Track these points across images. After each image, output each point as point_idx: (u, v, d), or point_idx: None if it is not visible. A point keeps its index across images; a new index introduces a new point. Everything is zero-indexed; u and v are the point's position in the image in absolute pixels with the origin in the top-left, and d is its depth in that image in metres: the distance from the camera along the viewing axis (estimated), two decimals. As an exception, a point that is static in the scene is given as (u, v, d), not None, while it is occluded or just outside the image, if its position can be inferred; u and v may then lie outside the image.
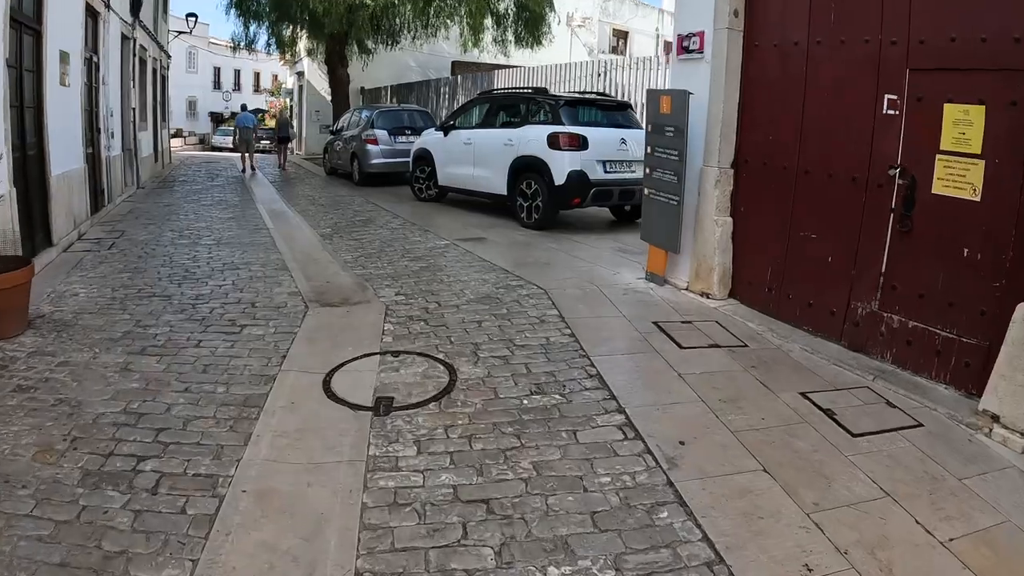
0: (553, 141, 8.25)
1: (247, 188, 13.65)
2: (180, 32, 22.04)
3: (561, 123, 8.38)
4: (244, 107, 20.41)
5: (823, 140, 4.84)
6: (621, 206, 9.13)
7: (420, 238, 8.00)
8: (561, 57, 20.98)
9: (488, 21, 18.69)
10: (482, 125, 9.70)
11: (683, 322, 5.12)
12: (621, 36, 34.80)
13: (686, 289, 5.95)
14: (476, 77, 15.77)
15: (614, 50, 33.73)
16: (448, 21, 17.85)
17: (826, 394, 3.89)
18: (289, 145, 28.89)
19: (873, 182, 4.45)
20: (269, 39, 20.37)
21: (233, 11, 18.85)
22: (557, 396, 3.83)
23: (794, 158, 5.08)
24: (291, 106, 30.94)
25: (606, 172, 8.47)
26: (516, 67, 14.96)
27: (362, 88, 23.59)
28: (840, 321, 4.72)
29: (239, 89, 51.21)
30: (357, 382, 3.90)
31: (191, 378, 3.92)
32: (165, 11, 19.69)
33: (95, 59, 9.65)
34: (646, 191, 6.26)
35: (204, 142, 41.82)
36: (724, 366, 4.31)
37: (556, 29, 20.82)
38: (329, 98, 21.15)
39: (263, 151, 26.46)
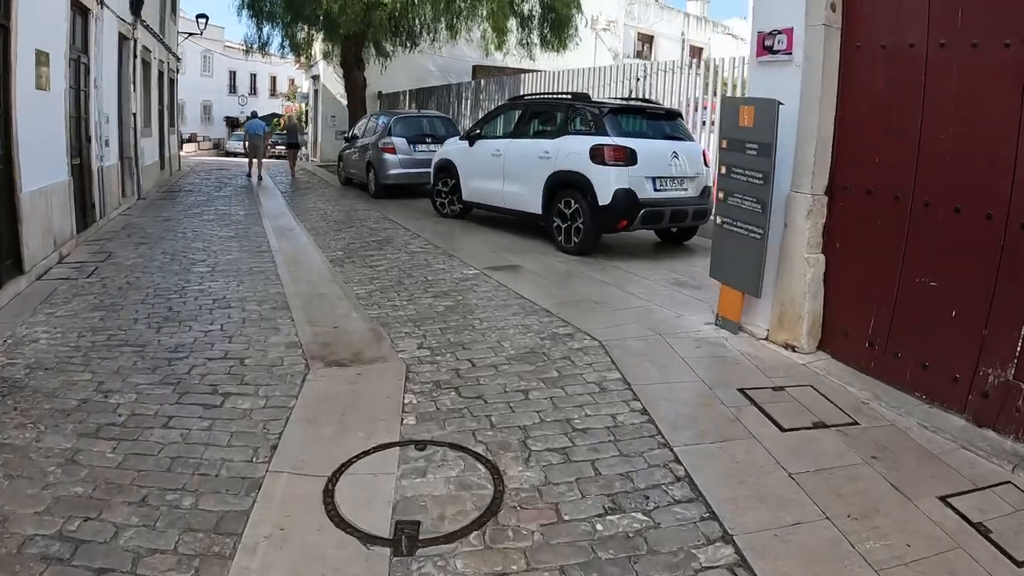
0: (597, 154, 7.20)
1: (255, 199, 12.72)
2: (190, 34, 21.26)
3: (605, 133, 7.33)
4: (254, 114, 19.81)
5: (949, 166, 3.80)
6: (670, 228, 8.04)
7: (444, 266, 6.98)
8: (586, 61, 19.95)
9: (512, 23, 17.74)
10: (513, 134, 8.67)
11: (774, 388, 4.08)
12: (646, 40, 33.80)
13: (765, 339, 4.92)
14: (501, 81, 14.77)
15: (639, 55, 32.70)
16: (469, 22, 16.88)
17: (969, 498, 2.95)
18: (303, 151, 28.19)
19: (1015, 221, 3.42)
20: (283, 41, 19.53)
21: (245, 12, 18.01)
22: (640, 516, 2.79)
23: (909, 186, 4.03)
24: (306, 111, 30.13)
25: (656, 190, 7.42)
26: (539, 71, 13.92)
27: (379, 93, 22.67)
28: (964, 390, 3.69)
29: (255, 93, 50.63)
30: (370, 493, 2.88)
31: (151, 480, 2.91)
32: (174, 11, 18.87)
33: (84, 60, 8.73)
34: (718, 219, 5.20)
35: (219, 147, 41.12)
36: (840, 457, 3.29)
37: (581, 32, 19.83)
38: (345, 103, 20.24)
39: (279, 157, 25.68)
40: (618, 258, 7.52)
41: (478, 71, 23.68)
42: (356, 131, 14.64)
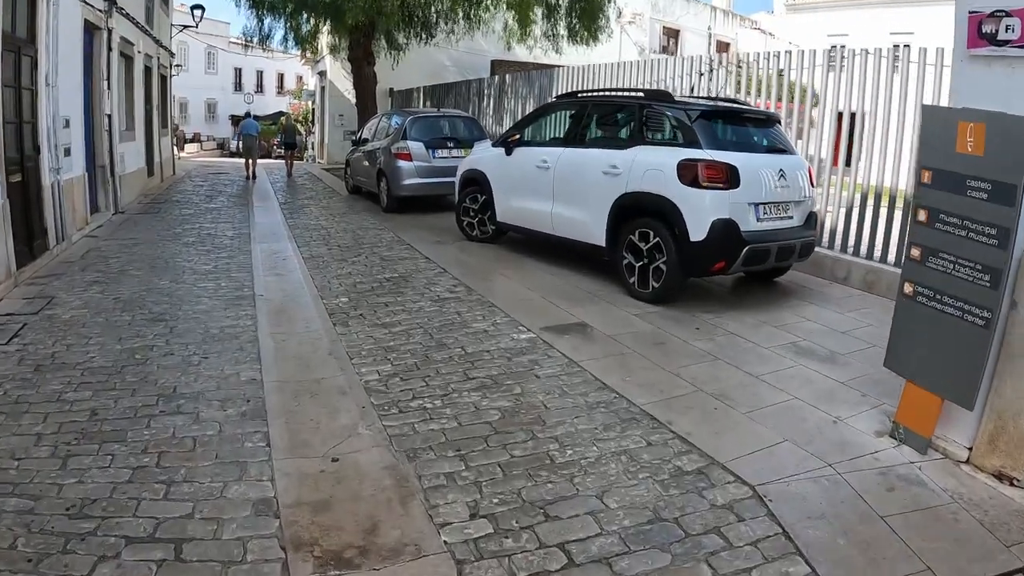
0: (688, 172, 5.40)
1: (248, 213, 10.96)
2: (185, 26, 19.55)
3: (696, 144, 5.52)
4: (248, 114, 18.85)
5: None
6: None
7: (485, 323, 5.17)
8: (610, 56, 18.10)
9: (538, 12, 15.92)
10: (566, 141, 6.84)
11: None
12: (671, 35, 31.99)
13: (966, 461, 3.24)
14: (529, 76, 12.93)
15: (664, 49, 30.88)
16: (494, 10, 15.08)
17: None
18: (308, 152, 26.55)
19: None
20: (286, 34, 17.65)
21: (244, 1, 16.20)
22: None
23: None
24: (312, 109, 28.38)
25: (759, 219, 5.61)
26: (563, 66, 12.06)
27: (391, 90, 20.88)
28: None
29: (261, 91, 48.86)
30: None
31: None
32: (165, 1, 17.12)
33: (30, 53, 6.99)
34: (907, 287, 3.44)
35: (223, 147, 39.38)
36: None
37: (613, 24, 18.04)
38: (353, 100, 18.45)
39: (281, 157, 24.13)
40: (706, 305, 5.73)
41: (497, 66, 21.88)
42: (366, 133, 12.80)
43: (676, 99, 5.96)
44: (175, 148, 33.90)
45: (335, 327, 5.03)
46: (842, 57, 6.83)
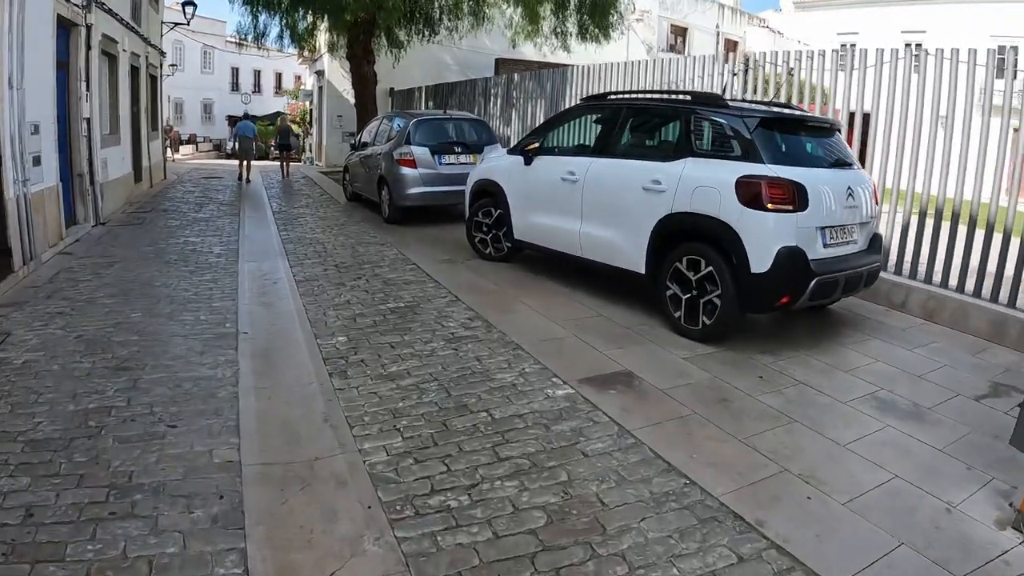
0: (748, 191, 4.59)
1: (239, 223, 10.15)
2: (176, 24, 18.70)
3: (757, 158, 4.70)
4: (246, 115, 18.75)
5: None
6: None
7: (512, 373, 4.36)
8: (617, 56, 17.29)
9: (547, 8, 15.13)
10: (596, 150, 6.00)
11: None
12: (679, 33, 31.22)
13: None
14: (540, 75, 12.10)
15: (672, 48, 30.09)
16: (503, 2, 14.28)
17: None
18: (307, 155, 25.77)
19: None
20: (282, 31, 16.77)
21: (238, -2, 15.35)
22: None
23: None
24: (310, 110, 27.53)
25: (826, 245, 4.82)
26: (569, 65, 11.24)
27: (391, 89, 20.07)
28: None
29: (259, 91, 47.99)
30: None
31: None
32: (155, -2, 16.29)
33: (-15, 49, 6.18)
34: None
35: (220, 148, 38.46)
36: None
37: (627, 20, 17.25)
38: (353, 101, 17.62)
39: (276, 159, 23.46)
40: (761, 343, 4.94)
41: (502, 65, 21.06)
42: (366, 136, 11.96)
43: (730, 104, 5.13)
44: (170, 150, 33.22)
45: (331, 378, 4.22)
46: (922, 56, 5.99)
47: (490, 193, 7.20)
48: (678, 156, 5.14)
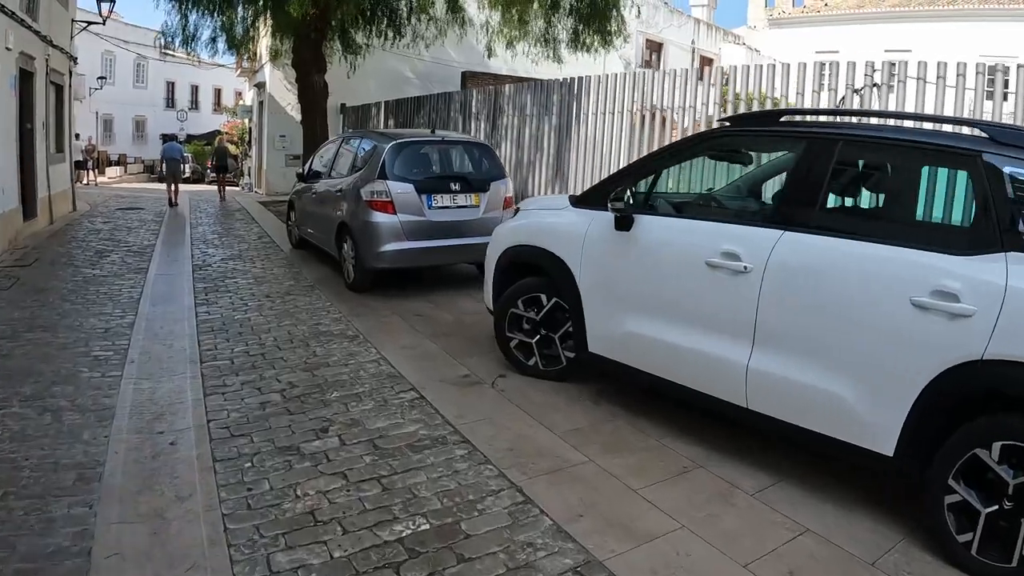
0: None
1: (142, 290, 7.23)
2: (88, 24, 15.58)
3: None
4: (172, 137, 18.68)
5: None
6: None
7: None
8: (594, 70, 14.96)
9: (536, 9, 12.68)
10: (782, 216, 3.26)
11: None
12: (655, 48, 29.37)
13: None
14: (535, 88, 9.55)
15: (647, 64, 28.06)
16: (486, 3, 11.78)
17: None
18: (245, 180, 22.82)
19: None
20: (216, 33, 13.76)
21: (160, -9, 12.40)
22: None
23: None
24: (249, 128, 24.37)
25: None
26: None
27: (342, 105, 17.26)
28: None
29: (196, 107, 44.26)
30: None
31: None
32: (57, -11, 13.15)
33: None
34: None
35: (152, 170, 34.59)
36: None
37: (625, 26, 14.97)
38: (299, 118, 14.70)
39: (212, 182, 20.85)
40: None
41: (469, 79, 18.48)
42: (317, 163, 9.05)
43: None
44: (93, 173, 29.55)
45: None
46: None
47: (540, 270, 4.48)
48: (983, 245, 2.55)
